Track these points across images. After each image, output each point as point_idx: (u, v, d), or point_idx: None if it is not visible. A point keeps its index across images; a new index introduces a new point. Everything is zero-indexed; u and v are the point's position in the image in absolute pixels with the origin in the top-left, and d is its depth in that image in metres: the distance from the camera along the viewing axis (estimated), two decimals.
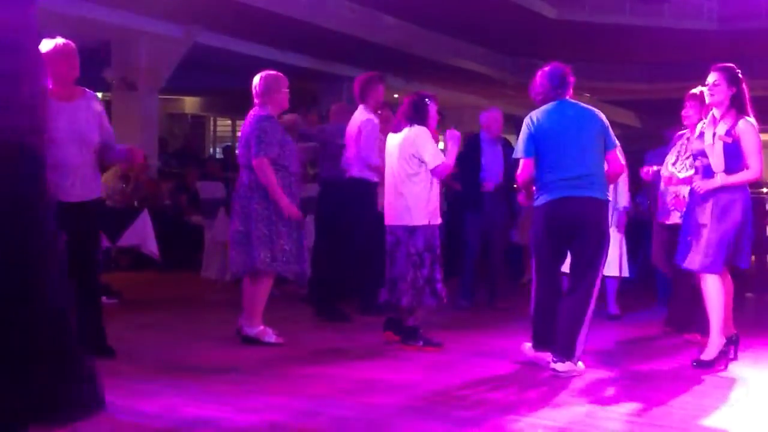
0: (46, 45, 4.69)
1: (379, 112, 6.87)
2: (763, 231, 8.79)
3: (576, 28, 13.73)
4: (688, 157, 5.77)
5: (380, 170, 6.21)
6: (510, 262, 10.03)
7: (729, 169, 5.08)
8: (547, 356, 4.95)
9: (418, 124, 5.57)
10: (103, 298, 5.77)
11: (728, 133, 5.07)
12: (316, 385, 4.49)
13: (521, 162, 5.12)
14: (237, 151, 6.09)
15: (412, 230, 5.50)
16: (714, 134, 5.12)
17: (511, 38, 14.68)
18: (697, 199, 5.22)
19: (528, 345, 5.16)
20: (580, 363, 4.90)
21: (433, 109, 5.67)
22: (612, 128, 5.23)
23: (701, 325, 5.53)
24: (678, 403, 4.33)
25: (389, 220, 5.64)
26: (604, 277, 5.47)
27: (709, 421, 4.01)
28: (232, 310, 6.08)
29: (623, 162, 5.25)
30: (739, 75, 5.13)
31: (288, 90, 5.70)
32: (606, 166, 5.09)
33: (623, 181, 7.14)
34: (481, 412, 4.04)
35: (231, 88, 12.63)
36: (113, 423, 3.43)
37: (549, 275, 5.09)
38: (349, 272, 6.93)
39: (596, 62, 16.32)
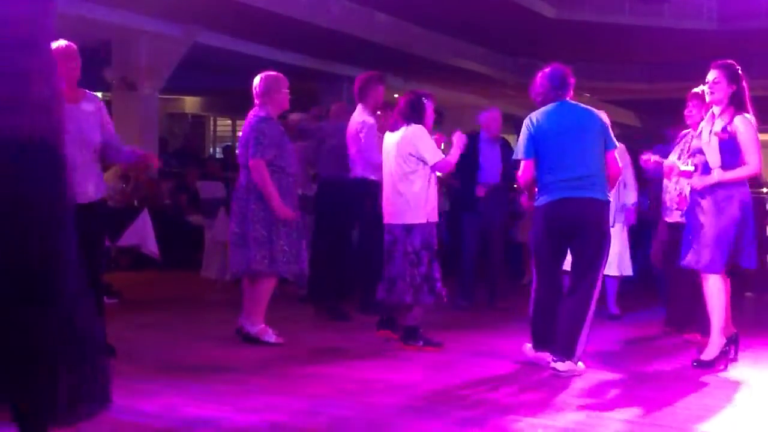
0: None
1: (379, 113, 6.86)
2: (764, 231, 8.78)
3: (576, 27, 13.71)
4: (689, 156, 5.77)
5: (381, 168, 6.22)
6: (510, 262, 10.03)
7: (725, 166, 5.05)
8: (547, 356, 4.95)
9: (415, 122, 5.58)
10: (104, 298, 5.77)
11: (724, 129, 5.05)
12: (316, 385, 4.49)
13: (522, 163, 5.13)
14: (237, 151, 6.10)
15: (409, 228, 5.50)
16: (711, 131, 5.12)
17: (510, 38, 14.66)
18: (695, 196, 5.22)
19: (528, 346, 5.17)
20: (580, 363, 4.90)
21: (429, 107, 5.68)
22: (612, 128, 5.24)
23: (701, 324, 5.53)
24: (678, 403, 4.33)
25: (387, 218, 5.65)
26: (605, 277, 5.47)
27: (709, 422, 4.01)
28: (231, 310, 6.08)
29: (620, 165, 5.26)
30: (739, 72, 5.10)
31: (288, 90, 5.71)
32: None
33: (630, 178, 7.16)
34: (482, 412, 4.04)
35: (231, 88, 12.63)
36: (113, 422, 3.43)
37: (549, 275, 5.09)
38: (349, 271, 6.93)
39: (596, 62, 16.31)
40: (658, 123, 16.51)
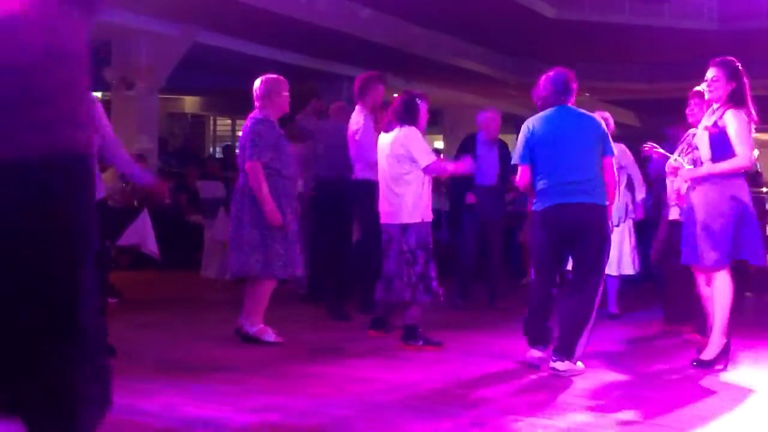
0: None
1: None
2: (763, 231, 8.78)
3: (576, 27, 13.70)
4: (687, 152, 5.75)
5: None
6: (511, 262, 10.04)
7: (715, 160, 5.02)
8: (536, 353, 4.98)
9: (409, 124, 5.61)
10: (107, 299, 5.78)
11: (714, 123, 5.03)
12: (316, 384, 4.49)
13: (519, 168, 5.17)
14: (237, 152, 6.12)
15: (404, 228, 5.54)
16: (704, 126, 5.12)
17: (510, 38, 14.66)
18: (690, 192, 5.20)
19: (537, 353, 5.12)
20: (579, 363, 4.91)
21: (423, 108, 5.70)
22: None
23: (698, 323, 5.53)
24: (678, 403, 4.32)
25: (383, 218, 5.71)
26: (605, 276, 5.48)
27: (709, 421, 4.00)
28: (231, 310, 6.08)
29: (615, 172, 5.25)
30: (739, 69, 5.06)
31: (288, 93, 5.73)
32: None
33: (637, 175, 7.17)
34: (482, 412, 4.04)
35: (231, 88, 12.62)
36: (113, 422, 3.42)
37: (548, 278, 5.10)
38: (349, 271, 6.93)
39: (596, 62, 16.30)
40: (658, 123, 16.47)
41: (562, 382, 4.70)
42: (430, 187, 5.71)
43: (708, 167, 5.04)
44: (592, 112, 5.54)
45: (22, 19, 2.26)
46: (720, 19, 13.78)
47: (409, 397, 4.27)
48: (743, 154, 4.92)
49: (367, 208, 6.64)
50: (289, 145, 5.76)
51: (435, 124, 19.24)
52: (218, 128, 21.32)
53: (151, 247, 8.31)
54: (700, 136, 5.11)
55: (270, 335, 5.56)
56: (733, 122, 4.95)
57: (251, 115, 5.66)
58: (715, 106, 5.12)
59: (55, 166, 2.34)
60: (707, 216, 5.01)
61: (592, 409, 4.15)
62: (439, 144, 21.46)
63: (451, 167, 6.15)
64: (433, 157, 5.61)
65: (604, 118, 5.85)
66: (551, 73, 5.16)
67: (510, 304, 7.52)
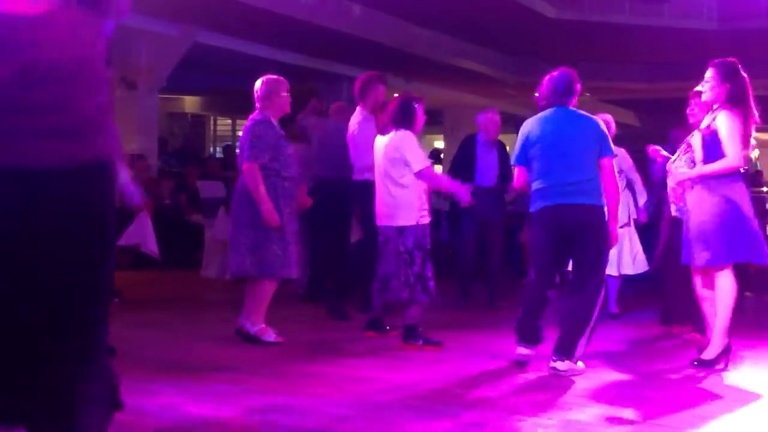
0: None
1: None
2: (763, 231, 8.78)
3: (576, 27, 13.70)
4: (685, 153, 5.76)
5: None
6: (511, 262, 10.04)
7: (707, 160, 5.04)
8: (523, 350, 5.02)
9: (405, 127, 5.62)
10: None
11: (708, 125, 5.06)
12: (316, 384, 4.49)
13: (515, 169, 5.20)
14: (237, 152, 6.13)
15: (401, 230, 5.56)
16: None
17: (511, 38, 14.65)
18: (688, 192, 5.20)
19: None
20: (579, 362, 4.91)
21: (420, 111, 5.71)
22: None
23: (697, 323, 5.53)
24: (678, 403, 4.33)
25: (379, 220, 5.74)
26: (605, 276, 5.48)
27: (709, 421, 4.00)
28: (231, 309, 6.08)
29: (616, 173, 5.25)
30: (737, 69, 5.05)
31: (288, 94, 5.73)
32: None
33: (638, 179, 7.18)
34: (482, 412, 4.04)
35: (231, 88, 12.63)
36: (113, 422, 3.42)
37: (546, 278, 5.11)
38: (348, 271, 6.93)
39: (596, 62, 16.28)
40: (658, 123, 16.49)
41: (563, 381, 4.70)
42: (427, 189, 5.71)
43: (699, 168, 5.08)
44: (594, 113, 5.53)
45: (47, 25, 2.29)
46: (720, 18, 13.78)
47: (409, 397, 4.27)
48: (732, 155, 4.94)
49: (367, 208, 6.64)
50: (290, 146, 5.76)
51: (435, 124, 19.23)
52: (218, 128, 21.32)
53: (151, 246, 8.31)
54: (695, 138, 5.14)
55: (270, 335, 5.56)
56: (724, 123, 4.97)
57: (252, 116, 5.67)
58: (715, 107, 5.13)
59: (84, 173, 2.39)
60: (699, 216, 5.03)
61: (592, 408, 4.15)
62: (440, 144, 21.46)
63: (446, 184, 6.18)
64: (427, 163, 5.66)
65: (606, 121, 5.84)
66: (555, 73, 5.16)
67: (510, 304, 7.51)
